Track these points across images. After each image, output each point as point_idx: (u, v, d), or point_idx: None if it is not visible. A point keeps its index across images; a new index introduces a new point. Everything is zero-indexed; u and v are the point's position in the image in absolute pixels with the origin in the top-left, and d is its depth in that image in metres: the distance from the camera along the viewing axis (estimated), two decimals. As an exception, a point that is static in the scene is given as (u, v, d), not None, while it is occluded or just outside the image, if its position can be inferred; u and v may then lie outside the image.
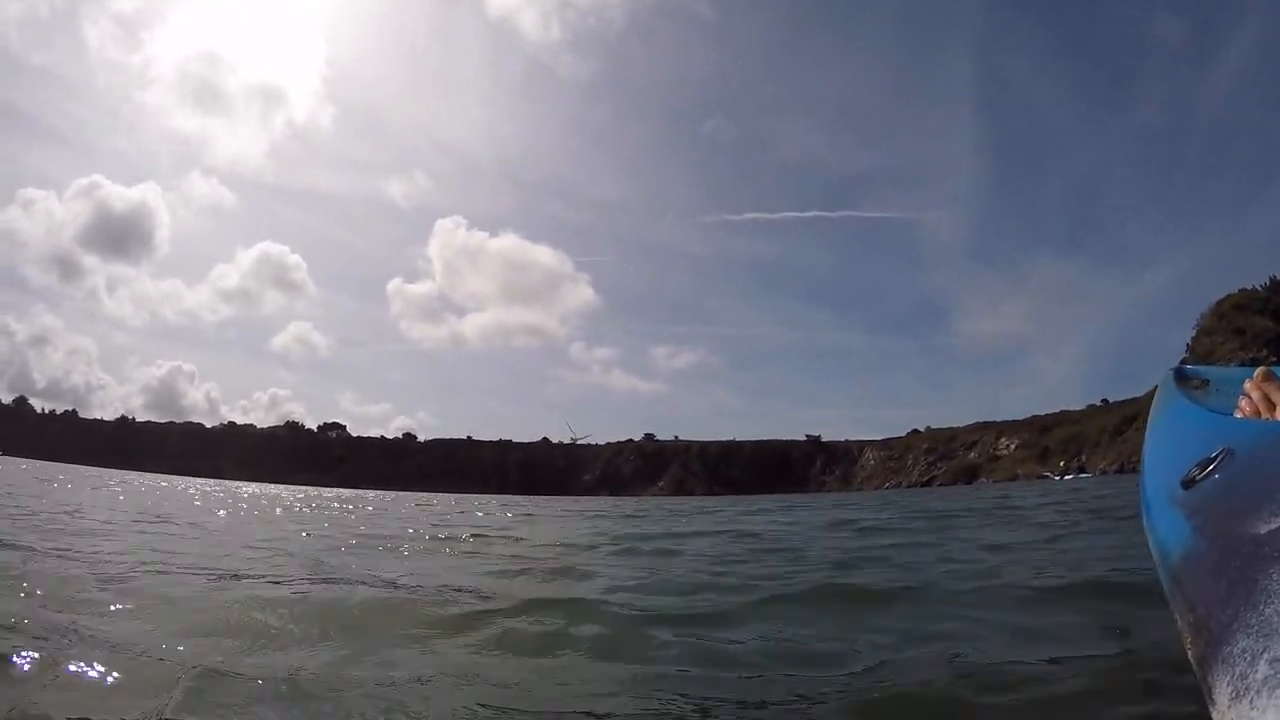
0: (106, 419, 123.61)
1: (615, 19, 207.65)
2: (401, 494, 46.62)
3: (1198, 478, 0.90)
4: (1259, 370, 1.27)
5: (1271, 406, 1.18)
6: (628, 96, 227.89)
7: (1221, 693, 0.58)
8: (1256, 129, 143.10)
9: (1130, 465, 63.61)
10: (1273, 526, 0.66)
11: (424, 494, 48.99)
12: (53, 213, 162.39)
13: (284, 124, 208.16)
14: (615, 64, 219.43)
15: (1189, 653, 0.69)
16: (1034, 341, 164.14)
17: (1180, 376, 1.70)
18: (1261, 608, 0.59)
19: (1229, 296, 71.44)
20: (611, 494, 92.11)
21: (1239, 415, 1.24)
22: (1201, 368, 1.75)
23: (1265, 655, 0.55)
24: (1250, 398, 1.23)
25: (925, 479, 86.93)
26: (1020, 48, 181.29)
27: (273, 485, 53.57)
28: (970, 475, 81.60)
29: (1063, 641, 2.94)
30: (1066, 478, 53.47)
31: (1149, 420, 1.49)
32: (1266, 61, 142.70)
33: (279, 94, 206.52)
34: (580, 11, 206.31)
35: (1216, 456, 0.90)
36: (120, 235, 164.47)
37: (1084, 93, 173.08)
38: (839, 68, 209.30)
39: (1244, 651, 0.57)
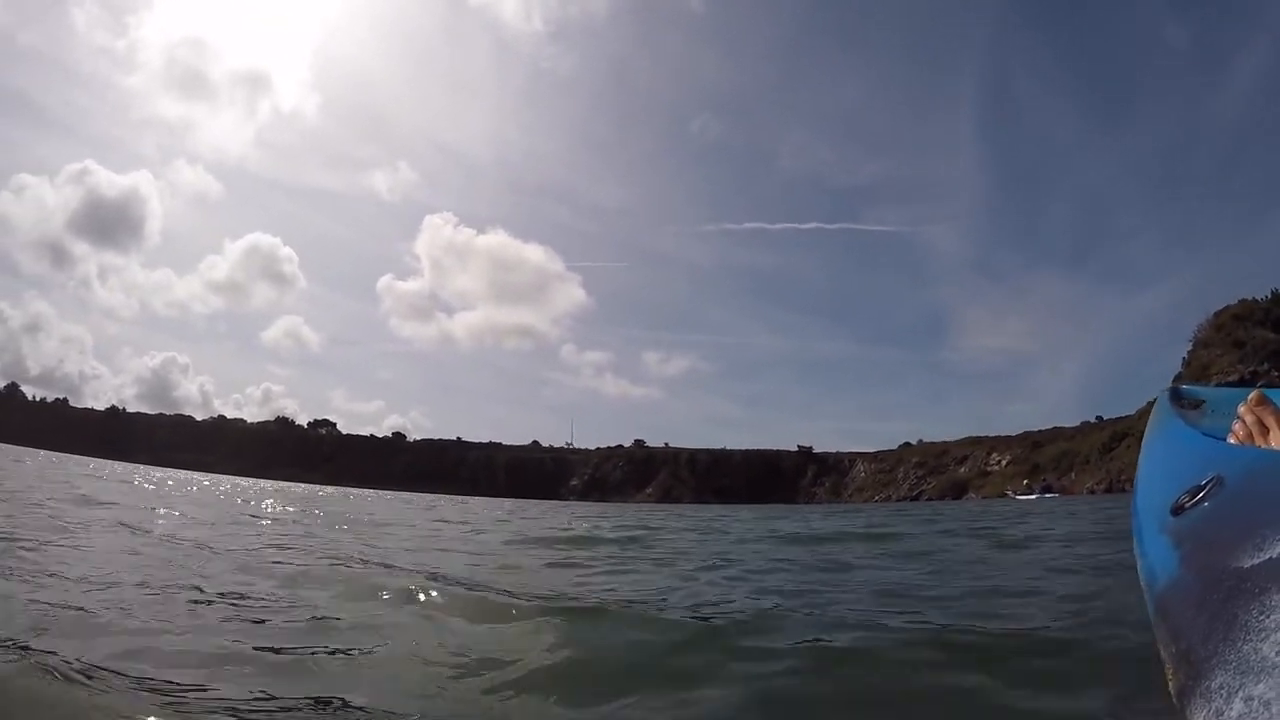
0: (98, 408, 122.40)
1: (598, 10, 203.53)
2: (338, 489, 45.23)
3: (1187, 505, 0.89)
4: (1253, 394, 1.23)
5: (1265, 431, 1.16)
6: (620, 95, 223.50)
7: None
8: (1265, 146, 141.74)
9: (1118, 485, 61.61)
10: (1256, 560, 0.65)
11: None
12: (44, 198, 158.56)
13: (269, 111, 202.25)
14: (604, 60, 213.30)
15: (1170, 684, 0.68)
16: (1035, 357, 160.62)
17: (1175, 397, 1.67)
18: (1239, 644, 0.59)
19: (1228, 307, 68.47)
20: (599, 500, 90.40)
21: (1232, 440, 1.21)
22: (1197, 388, 1.72)
23: (1241, 693, 0.55)
24: (1244, 422, 1.20)
25: (914, 493, 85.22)
26: (1027, 63, 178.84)
27: (246, 479, 52.17)
28: (959, 490, 79.87)
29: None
30: (1029, 497, 46.01)
31: (1143, 441, 1.44)
32: (1276, 78, 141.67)
33: (264, 80, 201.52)
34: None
35: (1206, 484, 0.88)
36: (110, 223, 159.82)
37: (1090, 109, 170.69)
38: (842, 78, 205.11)
39: (1221, 687, 0.57)
